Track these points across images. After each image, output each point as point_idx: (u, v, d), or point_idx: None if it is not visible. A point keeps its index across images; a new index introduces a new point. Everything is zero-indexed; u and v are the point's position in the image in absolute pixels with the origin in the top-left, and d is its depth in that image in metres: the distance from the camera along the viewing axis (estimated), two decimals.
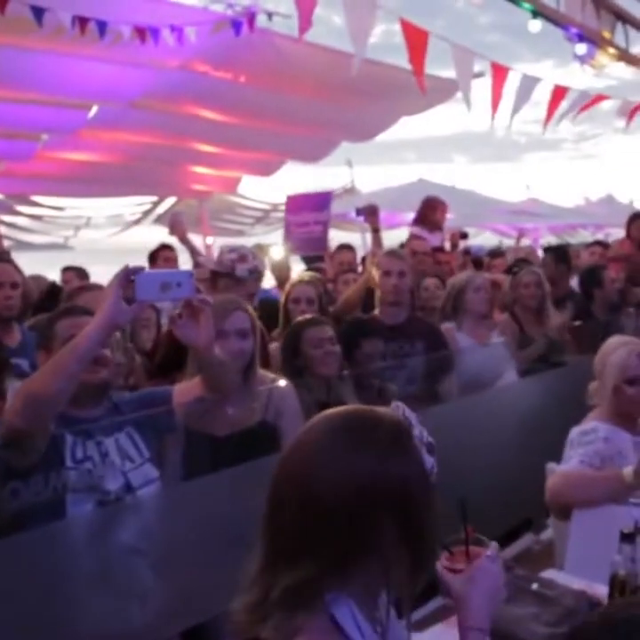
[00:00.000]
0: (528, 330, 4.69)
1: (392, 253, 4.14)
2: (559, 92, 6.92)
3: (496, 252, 8.20)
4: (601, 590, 2.04)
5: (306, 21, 4.72)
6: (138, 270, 1.96)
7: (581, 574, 2.26)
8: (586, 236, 15.35)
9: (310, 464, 1.23)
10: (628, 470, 2.52)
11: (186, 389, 2.40)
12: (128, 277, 1.95)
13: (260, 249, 5.43)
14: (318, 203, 5.28)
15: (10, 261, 3.49)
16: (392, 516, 1.22)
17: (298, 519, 1.21)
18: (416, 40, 4.69)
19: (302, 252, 6.17)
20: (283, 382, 2.85)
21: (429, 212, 5.87)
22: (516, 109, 6.34)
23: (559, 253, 5.86)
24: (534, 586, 1.92)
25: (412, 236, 5.55)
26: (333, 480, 1.20)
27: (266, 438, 2.72)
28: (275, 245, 6.15)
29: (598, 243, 6.95)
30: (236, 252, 3.78)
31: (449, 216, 10.35)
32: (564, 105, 7.35)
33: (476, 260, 7.07)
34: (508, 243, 13.27)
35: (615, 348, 2.83)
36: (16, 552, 2.10)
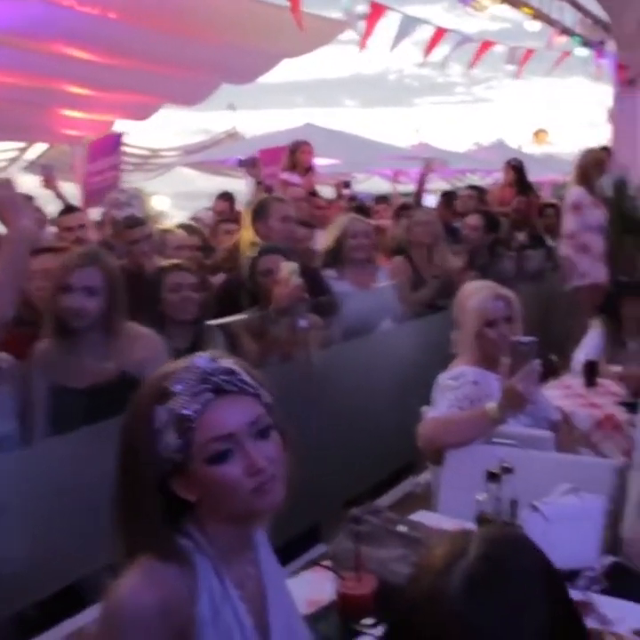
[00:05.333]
0: (422, 271, 4.68)
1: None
2: (438, 34, 6.92)
3: (381, 198, 8.17)
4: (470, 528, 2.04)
5: None
6: None
7: (453, 514, 2.28)
8: (474, 181, 15.61)
9: None
10: (491, 405, 2.54)
11: None
12: None
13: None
14: (109, 146, 4.85)
15: None
16: None
17: None
18: None
19: (99, 205, 5.42)
20: (146, 331, 2.80)
21: (295, 156, 5.76)
22: (393, 46, 6.29)
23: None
24: (402, 528, 1.91)
25: (285, 183, 5.40)
26: None
27: (127, 390, 2.61)
28: (156, 195, 5.82)
29: (474, 187, 7.07)
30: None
31: (336, 162, 10.24)
32: (447, 48, 7.37)
33: (362, 207, 7.02)
34: (399, 189, 13.31)
35: (471, 294, 2.85)
36: None
